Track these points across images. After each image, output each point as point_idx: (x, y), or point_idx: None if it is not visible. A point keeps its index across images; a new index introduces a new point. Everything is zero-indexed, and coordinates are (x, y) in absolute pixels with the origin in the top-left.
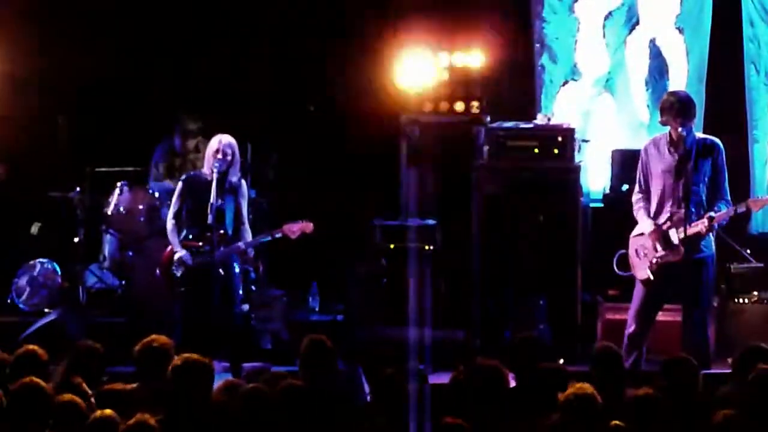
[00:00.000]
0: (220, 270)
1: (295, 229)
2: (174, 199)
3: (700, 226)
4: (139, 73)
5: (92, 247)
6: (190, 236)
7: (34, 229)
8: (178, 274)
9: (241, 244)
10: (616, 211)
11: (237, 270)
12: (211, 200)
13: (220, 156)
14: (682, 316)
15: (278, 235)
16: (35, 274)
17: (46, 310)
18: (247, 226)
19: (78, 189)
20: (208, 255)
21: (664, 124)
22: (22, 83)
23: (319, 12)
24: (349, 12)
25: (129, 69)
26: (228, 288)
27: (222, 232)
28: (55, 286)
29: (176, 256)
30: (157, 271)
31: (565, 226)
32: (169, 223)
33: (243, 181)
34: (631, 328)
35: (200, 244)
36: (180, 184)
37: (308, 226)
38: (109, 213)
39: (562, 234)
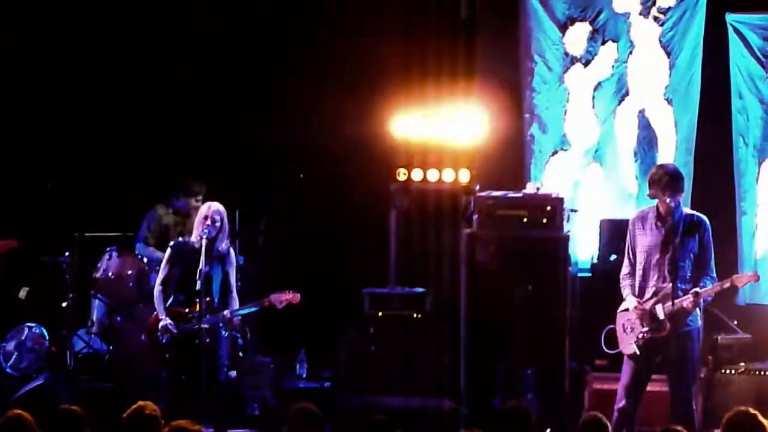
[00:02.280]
0: (206, 337)
1: (283, 299)
2: (162, 265)
3: (685, 302)
4: (127, 140)
5: (80, 311)
6: (177, 303)
7: (23, 293)
8: (164, 340)
9: (227, 312)
10: (605, 281)
11: (223, 337)
12: (200, 267)
13: (209, 222)
14: (669, 388)
15: (265, 304)
16: (23, 338)
17: (34, 374)
18: (234, 294)
19: (67, 254)
20: (195, 322)
21: (652, 197)
22: (12, 148)
23: (308, 80)
24: (340, 79)
25: (117, 137)
26: (214, 355)
27: (209, 299)
28: (43, 350)
29: (160, 324)
30: (143, 336)
31: (554, 296)
32: (157, 289)
33: (231, 249)
34: (621, 403)
35: (187, 311)
36: (169, 250)
37: (295, 297)
38: (98, 278)
39: (550, 303)
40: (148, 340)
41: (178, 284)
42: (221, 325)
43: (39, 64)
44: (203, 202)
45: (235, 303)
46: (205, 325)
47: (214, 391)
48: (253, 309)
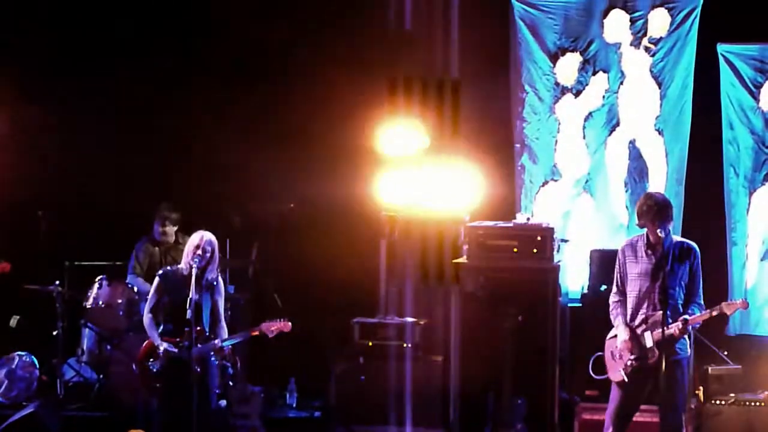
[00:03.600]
0: (197, 367)
1: (274, 328)
2: (151, 293)
3: (674, 329)
4: (118, 169)
5: (71, 340)
6: (167, 332)
7: (13, 322)
8: (154, 369)
9: (217, 341)
10: (595, 311)
11: (214, 366)
12: (191, 295)
13: (200, 252)
14: (659, 419)
15: (255, 333)
16: (13, 366)
17: (24, 403)
18: (223, 323)
19: (57, 282)
20: (185, 351)
21: (641, 226)
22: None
23: (297, 109)
24: (332, 109)
25: (108, 165)
26: (205, 384)
27: (199, 328)
28: (33, 379)
29: (161, 348)
30: (134, 366)
31: (544, 326)
32: (146, 317)
33: (220, 279)
34: (608, 431)
35: (177, 340)
36: (157, 279)
37: (287, 326)
38: (88, 307)
39: (540, 333)
40: (138, 369)
41: (168, 313)
42: (212, 354)
43: None
44: (176, 228)
45: (224, 332)
46: (196, 354)
47: (205, 420)
48: (244, 338)
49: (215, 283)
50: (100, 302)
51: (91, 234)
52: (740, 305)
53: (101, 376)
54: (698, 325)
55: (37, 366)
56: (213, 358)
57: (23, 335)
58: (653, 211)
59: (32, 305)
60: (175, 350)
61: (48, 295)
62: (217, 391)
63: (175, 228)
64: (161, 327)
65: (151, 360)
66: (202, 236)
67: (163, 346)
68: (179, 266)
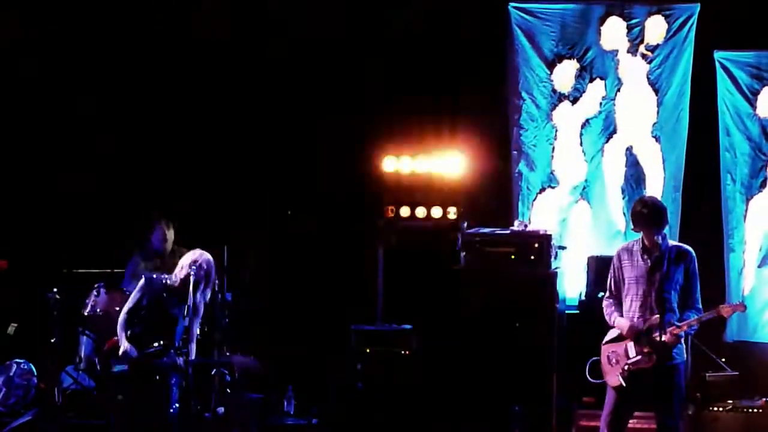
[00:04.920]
0: (156, 375)
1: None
2: (133, 294)
3: (666, 336)
4: (116, 177)
5: (69, 348)
6: (137, 333)
7: (11, 329)
8: (115, 370)
9: (181, 360)
10: (592, 318)
11: (173, 383)
12: (188, 302)
13: (195, 267)
14: (656, 424)
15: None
16: (11, 374)
17: (22, 410)
18: (194, 345)
19: (55, 290)
20: (150, 357)
21: (637, 231)
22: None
23: (296, 117)
24: (328, 116)
25: (107, 174)
26: (159, 394)
27: (166, 340)
28: (31, 386)
29: (121, 349)
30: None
31: (541, 332)
32: (122, 316)
33: (203, 305)
34: None
35: (149, 344)
36: (142, 280)
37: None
38: (86, 314)
39: (537, 340)
40: (100, 363)
41: (142, 316)
42: (174, 371)
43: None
44: (169, 236)
45: (193, 353)
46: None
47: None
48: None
49: (198, 304)
50: (98, 310)
51: (88, 241)
52: (737, 308)
53: (98, 383)
54: (694, 330)
55: (35, 374)
56: (174, 374)
57: (21, 343)
58: (647, 215)
59: (30, 313)
60: (135, 354)
61: (45, 303)
62: (172, 410)
63: (171, 232)
64: (136, 329)
65: (113, 359)
66: (202, 254)
67: (125, 346)
68: (168, 276)
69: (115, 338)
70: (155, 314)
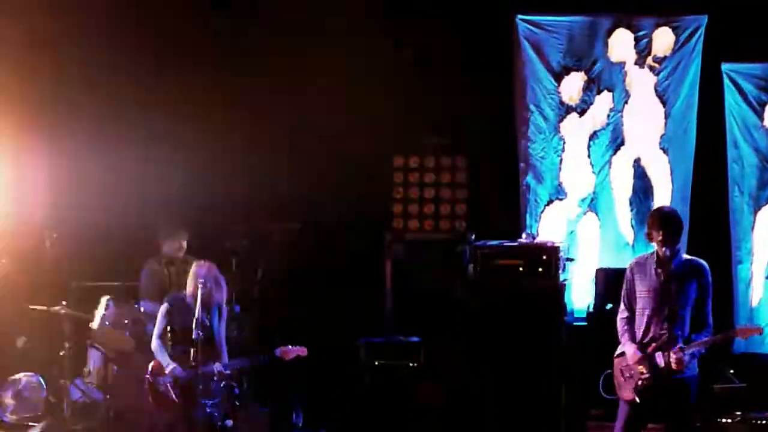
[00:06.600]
0: (200, 386)
1: (291, 355)
2: (159, 319)
3: (678, 354)
4: (125, 189)
5: (77, 361)
6: (176, 355)
7: (20, 342)
8: (162, 385)
9: (218, 365)
10: (600, 330)
11: (217, 389)
12: (196, 315)
13: (202, 280)
14: None
15: (265, 359)
16: (20, 387)
17: (31, 423)
18: (224, 347)
19: (64, 303)
20: (192, 371)
21: (650, 241)
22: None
23: (303, 127)
24: (337, 128)
25: (115, 185)
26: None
27: (210, 349)
28: (40, 399)
29: (167, 369)
30: (146, 384)
31: (549, 344)
32: (155, 342)
33: (225, 305)
34: None
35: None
36: (165, 304)
37: (303, 350)
38: (95, 327)
39: (545, 352)
40: (147, 385)
41: (176, 337)
42: (215, 377)
43: None
44: (182, 244)
45: (225, 356)
46: (201, 374)
47: None
48: (256, 362)
49: (221, 307)
50: (107, 323)
51: (97, 255)
52: (756, 331)
53: (108, 396)
54: (704, 350)
55: (44, 386)
56: (216, 381)
57: (30, 356)
58: (658, 223)
59: (39, 326)
60: (182, 375)
61: (55, 316)
62: (217, 414)
63: (182, 243)
64: (170, 351)
65: (159, 377)
66: (210, 267)
67: (170, 366)
68: (184, 292)
69: (156, 361)
70: (188, 331)
